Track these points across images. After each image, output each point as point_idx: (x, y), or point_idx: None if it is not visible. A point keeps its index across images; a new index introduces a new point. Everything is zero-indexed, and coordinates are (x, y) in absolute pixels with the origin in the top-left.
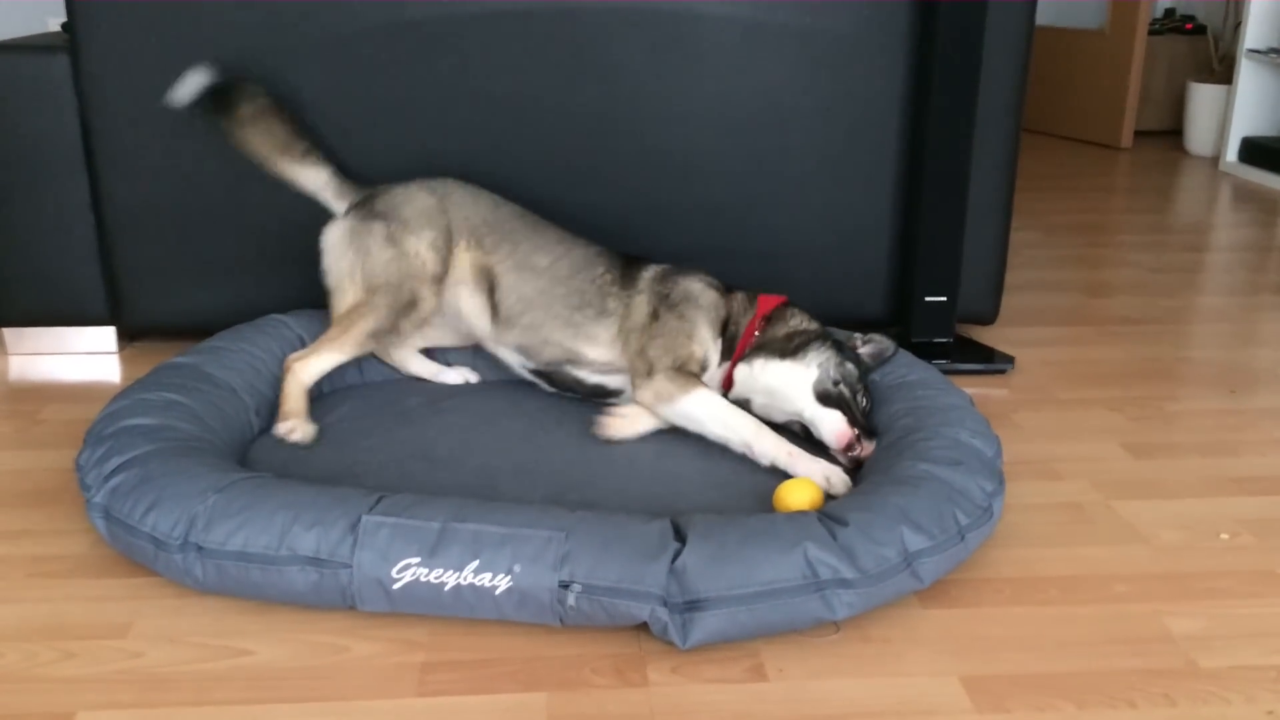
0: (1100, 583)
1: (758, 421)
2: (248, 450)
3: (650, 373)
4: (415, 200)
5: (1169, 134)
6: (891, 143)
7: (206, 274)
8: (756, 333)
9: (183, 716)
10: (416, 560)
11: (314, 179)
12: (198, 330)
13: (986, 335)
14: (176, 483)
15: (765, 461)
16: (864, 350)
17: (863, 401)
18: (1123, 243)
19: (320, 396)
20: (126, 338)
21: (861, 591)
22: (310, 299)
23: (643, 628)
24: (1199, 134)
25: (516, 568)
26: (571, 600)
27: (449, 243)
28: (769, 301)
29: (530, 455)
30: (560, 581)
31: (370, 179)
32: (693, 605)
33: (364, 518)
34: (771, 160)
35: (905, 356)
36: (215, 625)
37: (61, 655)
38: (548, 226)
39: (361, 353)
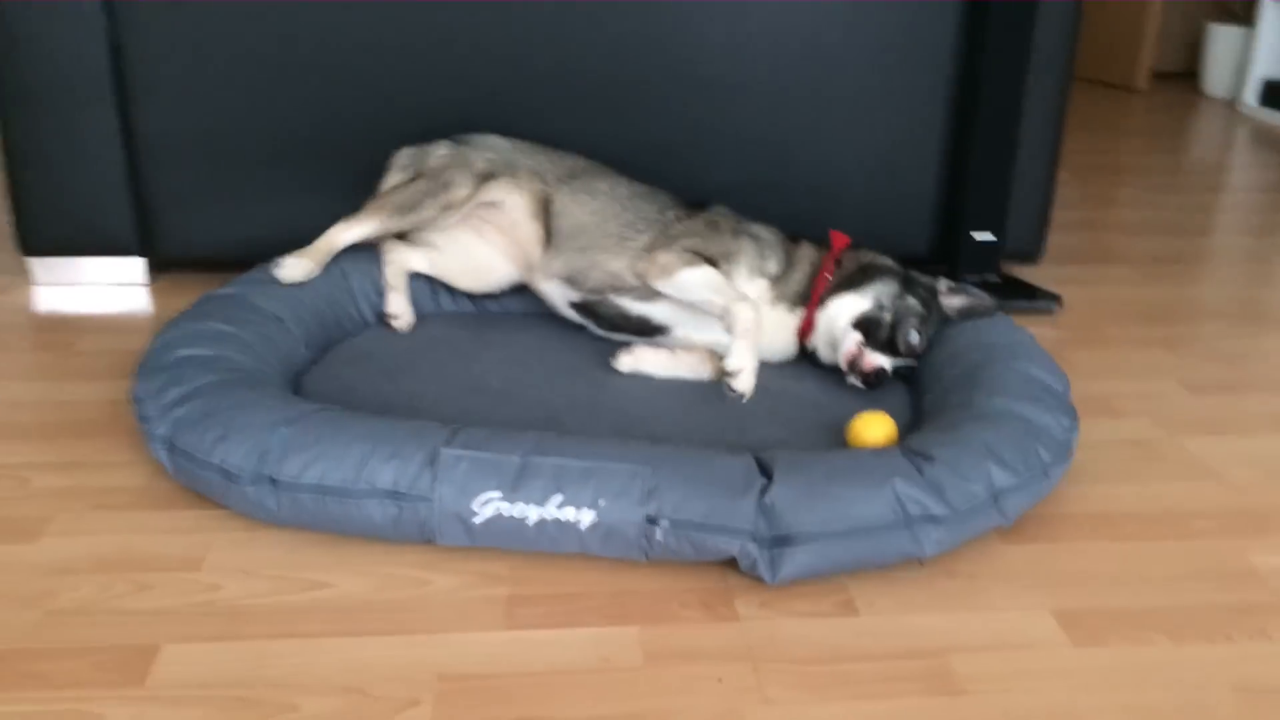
0: (1179, 519)
1: (743, 293)
2: (299, 382)
3: (666, 248)
4: (485, 137)
5: (1185, 76)
6: (942, 77)
7: (239, 202)
8: (829, 276)
9: (269, 649)
10: (498, 495)
11: None
12: (230, 262)
13: (1029, 274)
14: (245, 414)
15: (732, 327)
16: (953, 300)
17: (913, 337)
18: (1148, 184)
19: (367, 327)
20: (157, 269)
21: (950, 528)
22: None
23: (727, 563)
24: (1217, 76)
25: (602, 502)
26: (659, 535)
27: (509, 168)
28: (840, 241)
29: (587, 391)
30: (647, 516)
31: (413, 107)
32: (782, 541)
33: (442, 450)
34: (819, 91)
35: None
36: (289, 558)
37: (137, 587)
38: (612, 170)
39: (393, 225)
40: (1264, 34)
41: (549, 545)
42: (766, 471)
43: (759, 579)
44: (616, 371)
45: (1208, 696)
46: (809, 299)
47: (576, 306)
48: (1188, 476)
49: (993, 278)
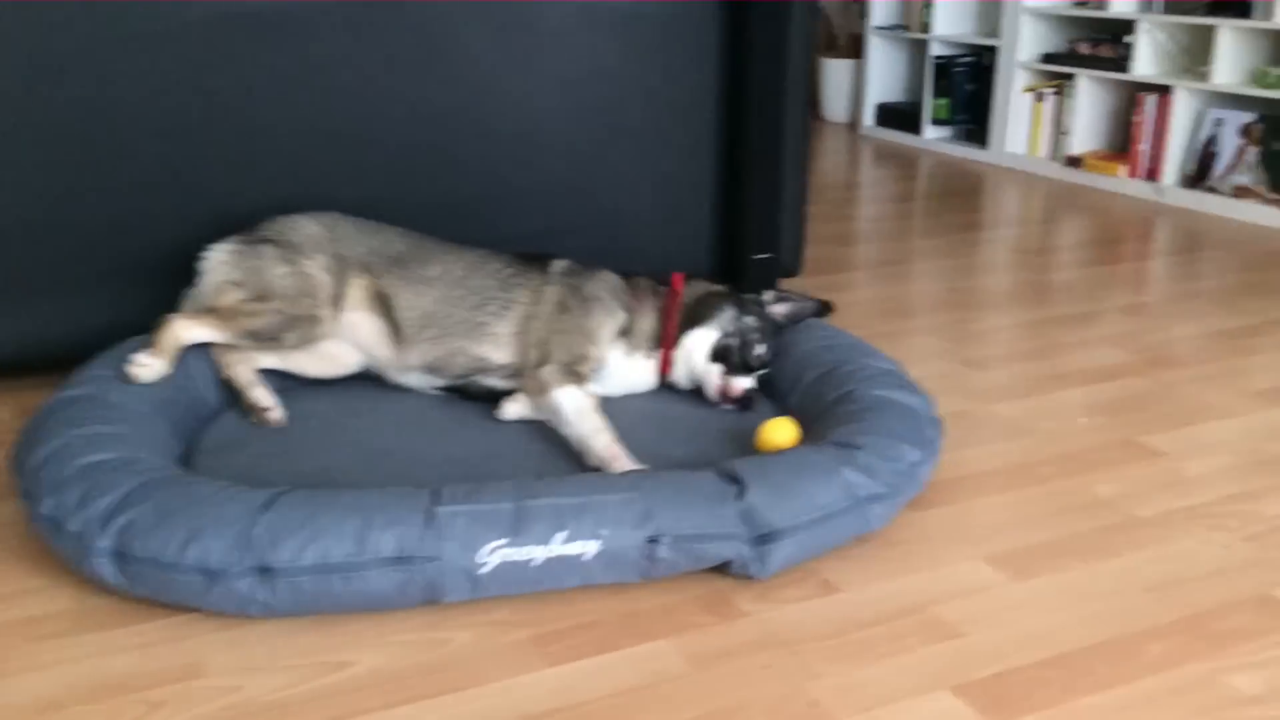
0: (1027, 469)
1: (602, 424)
2: (190, 470)
3: (541, 363)
4: (302, 228)
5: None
6: (710, 120)
7: (11, 302)
8: (674, 316)
9: None
10: (503, 541)
11: None
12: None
13: (794, 285)
14: (210, 509)
15: (594, 458)
16: (779, 308)
17: (758, 350)
18: (829, 200)
19: (220, 413)
20: None
21: (888, 503)
22: (143, 320)
23: (709, 570)
24: (834, 103)
25: (604, 531)
26: (662, 552)
27: (341, 268)
28: (678, 281)
29: (488, 440)
30: (648, 537)
31: (208, 177)
32: (765, 538)
33: (439, 510)
34: (605, 139)
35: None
36: (293, 645)
37: (149, 707)
38: (434, 241)
39: (236, 343)
40: (873, 65)
41: (552, 582)
42: (733, 479)
43: (747, 577)
44: (483, 418)
45: (1130, 599)
46: (661, 341)
47: (444, 390)
48: (1011, 436)
49: (773, 291)
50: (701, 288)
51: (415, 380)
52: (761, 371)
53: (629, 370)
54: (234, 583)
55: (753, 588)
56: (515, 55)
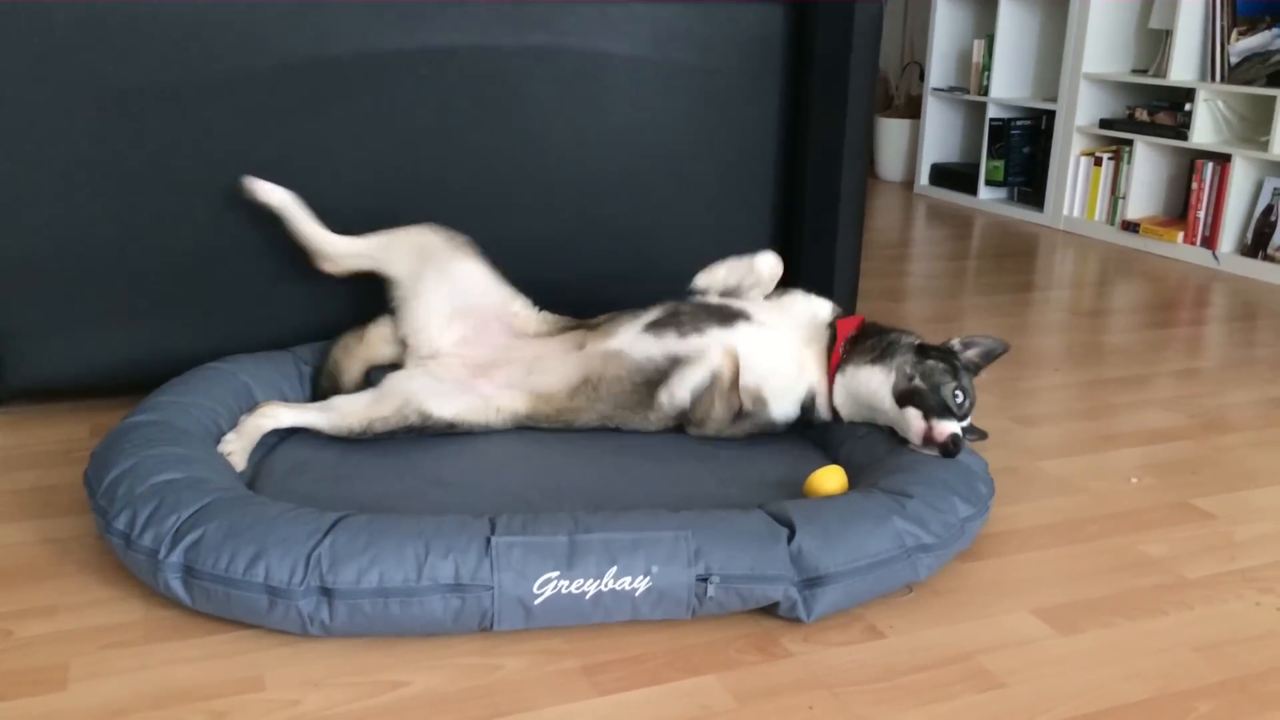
0: (1075, 526)
1: None
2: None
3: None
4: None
5: None
6: (769, 174)
7: (91, 328)
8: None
9: None
10: (556, 574)
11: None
12: (79, 390)
13: None
14: (275, 529)
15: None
16: (969, 354)
17: (956, 396)
18: (884, 256)
19: (279, 441)
20: None
21: (937, 554)
22: (213, 349)
23: (757, 610)
24: (889, 162)
25: (654, 568)
26: (711, 591)
27: None
28: (850, 323)
29: (529, 473)
30: (698, 576)
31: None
32: (813, 582)
33: (494, 539)
34: (665, 191)
35: None
36: (350, 664)
37: (212, 716)
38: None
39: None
40: (930, 126)
41: (603, 616)
42: (783, 521)
43: (795, 619)
44: (556, 454)
45: (1177, 658)
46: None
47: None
48: (1060, 493)
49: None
50: (878, 328)
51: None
52: (967, 420)
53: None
54: (296, 602)
55: (799, 629)
56: (580, 107)
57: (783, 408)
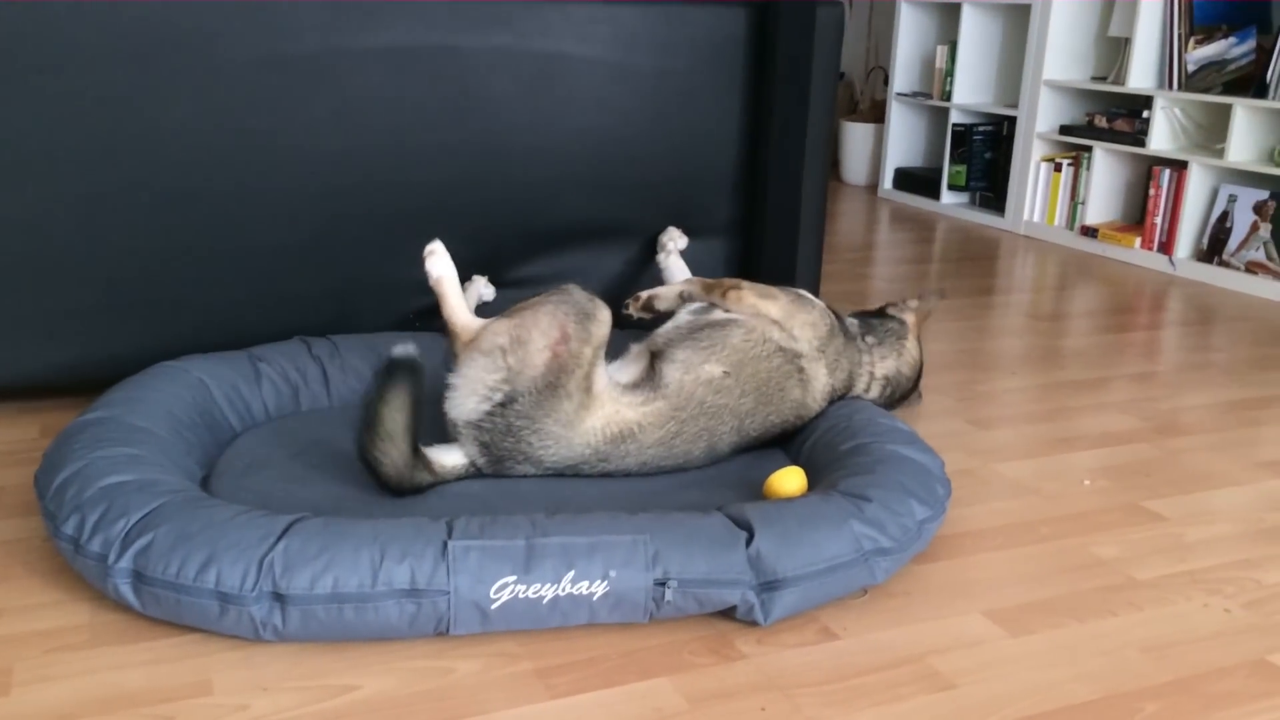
0: (1027, 527)
1: None
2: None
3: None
4: None
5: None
6: (730, 175)
7: (41, 327)
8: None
9: None
10: (513, 578)
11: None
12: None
13: None
14: (227, 534)
15: None
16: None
17: None
18: (847, 259)
19: (236, 436)
20: None
21: (894, 557)
22: (165, 349)
23: (712, 613)
24: (854, 165)
25: (612, 572)
26: (669, 595)
27: None
28: None
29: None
30: (656, 580)
31: (250, 214)
32: (771, 585)
33: (450, 544)
34: (626, 189)
35: None
36: (299, 669)
37: None
38: None
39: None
40: (894, 130)
41: (560, 620)
42: (742, 525)
43: (751, 622)
44: None
45: (1125, 659)
46: None
47: None
48: (1014, 495)
49: None
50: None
51: None
52: None
53: None
54: (248, 608)
55: (753, 631)
56: (542, 107)
57: None
